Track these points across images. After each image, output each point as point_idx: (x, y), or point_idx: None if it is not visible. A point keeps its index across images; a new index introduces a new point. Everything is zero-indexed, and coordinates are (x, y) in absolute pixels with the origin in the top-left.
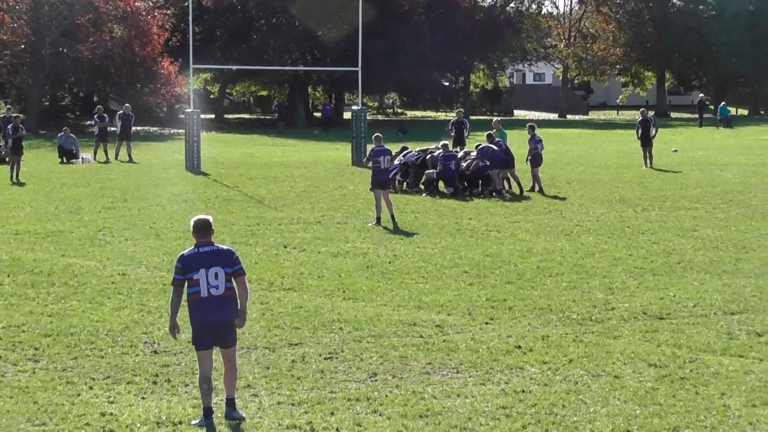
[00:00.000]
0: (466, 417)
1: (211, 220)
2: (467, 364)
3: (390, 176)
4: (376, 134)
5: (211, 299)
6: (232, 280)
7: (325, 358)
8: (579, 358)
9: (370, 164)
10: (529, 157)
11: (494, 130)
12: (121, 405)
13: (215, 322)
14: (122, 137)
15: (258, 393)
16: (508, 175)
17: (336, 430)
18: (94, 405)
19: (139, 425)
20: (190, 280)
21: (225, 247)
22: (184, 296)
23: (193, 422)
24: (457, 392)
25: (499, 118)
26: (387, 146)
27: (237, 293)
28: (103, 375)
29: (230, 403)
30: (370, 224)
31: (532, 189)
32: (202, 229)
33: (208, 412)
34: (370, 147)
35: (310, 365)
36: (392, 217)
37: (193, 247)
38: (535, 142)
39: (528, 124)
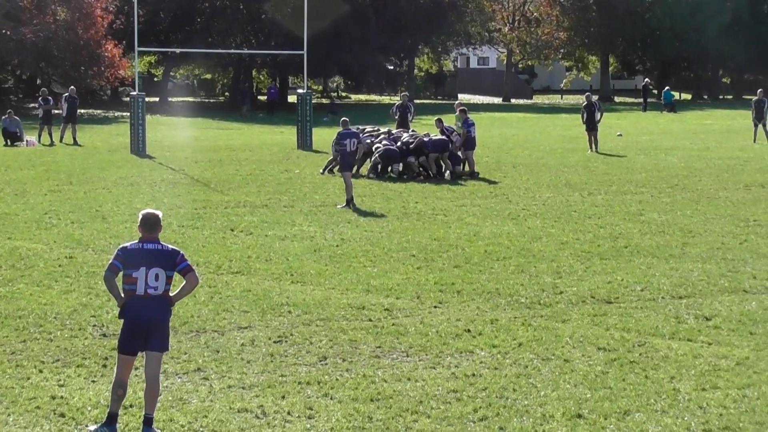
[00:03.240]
0: (417, 400)
1: (160, 215)
2: (417, 348)
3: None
4: (343, 118)
5: (147, 298)
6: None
7: (274, 342)
8: (528, 342)
9: (337, 147)
10: (463, 140)
11: (457, 114)
12: (72, 388)
13: (148, 319)
14: (68, 120)
15: (208, 376)
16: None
17: (287, 413)
18: (45, 388)
19: (90, 408)
20: (128, 277)
21: (170, 247)
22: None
23: (91, 428)
24: (408, 376)
25: (464, 107)
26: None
27: (181, 286)
28: (52, 358)
29: (148, 421)
30: (339, 206)
31: (470, 173)
32: (150, 224)
33: (112, 419)
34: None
35: (259, 348)
36: (352, 200)
37: (137, 241)
38: (467, 126)
39: (459, 108)
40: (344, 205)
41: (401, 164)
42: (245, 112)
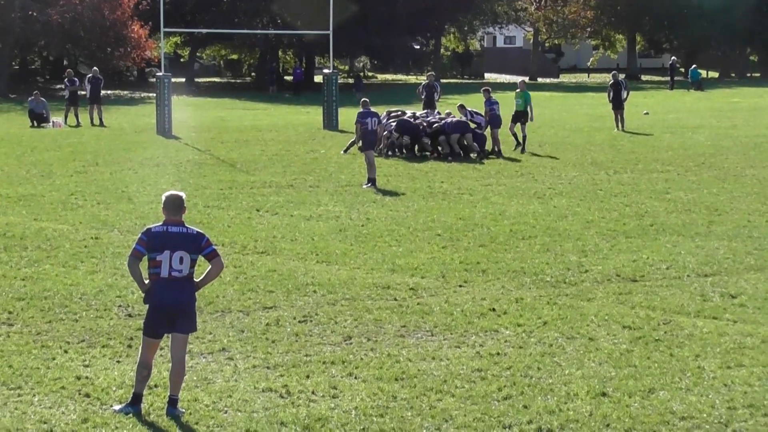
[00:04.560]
0: (441, 380)
1: (184, 197)
2: (442, 327)
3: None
4: (363, 99)
5: (171, 280)
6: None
7: (299, 321)
8: (553, 321)
9: (359, 126)
10: (487, 119)
11: (519, 90)
12: (97, 368)
13: (174, 303)
14: (92, 101)
15: (233, 356)
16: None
17: (312, 393)
18: (70, 369)
19: (114, 389)
20: (152, 260)
21: (195, 230)
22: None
23: (116, 407)
24: (432, 355)
25: (525, 80)
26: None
27: (206, 271)
28: (77, 339)
29: (173, 402)
30: (364, 186)
31: (493, 151)
32: (174, 206)
33: (137, 399)
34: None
35: (284, 328)
36: (374, 180)
37: (161, 223)
38: (491, 104)
39: (483, 88)
40: (369, 184)
41: (409, 138)
42: (273, 92)
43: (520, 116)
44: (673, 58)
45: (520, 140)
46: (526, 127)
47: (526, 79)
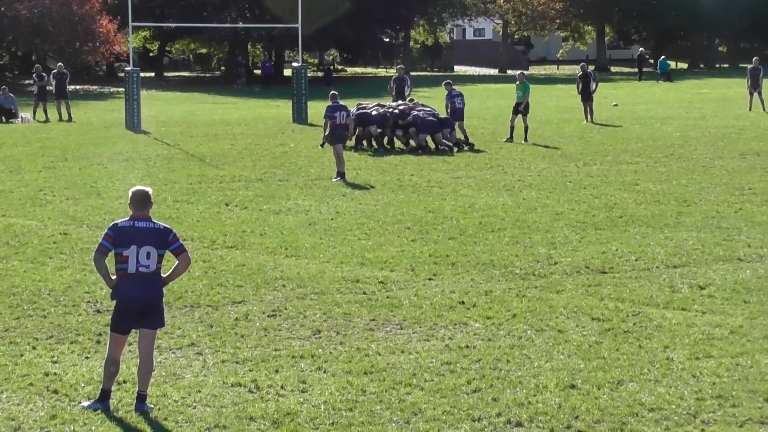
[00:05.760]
0: (410, 373)
1: (150, 192)
2: (411, 320)
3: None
4: (332, 92)
5: (138, 275)
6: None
7: (268, 316)
8: (522, 313)
9: (327, 120)
10: (448, 112)
11: (518, 83)
12: (65, 365)
13: (141, 298)
14: (59, 96)
15: (202, 351)
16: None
17: (281, 387)
18: (38, 365)
19: (83, 385)
20: (119, 256)
21: (162, 225)
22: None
23: (85, 404)
24: (402, 348)
25: (523, 72)
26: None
27: (174, 266)
28: (46, 335)
29: (141, 398)
30: (333, 179)
31: (465, 142)
32: (141, 201)
33: (105, 395)
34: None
35: (253, 323)
36: (343, 174)
37: (128, 218)
38: (452, 97)
39: (444, 82)
40: (338, 178)
41: (377, 128)
42: (239, 86)
43: (520, 107)
44: (641, 49)
45: (520, 132)
46: (527, 118)
47: (519, 71)
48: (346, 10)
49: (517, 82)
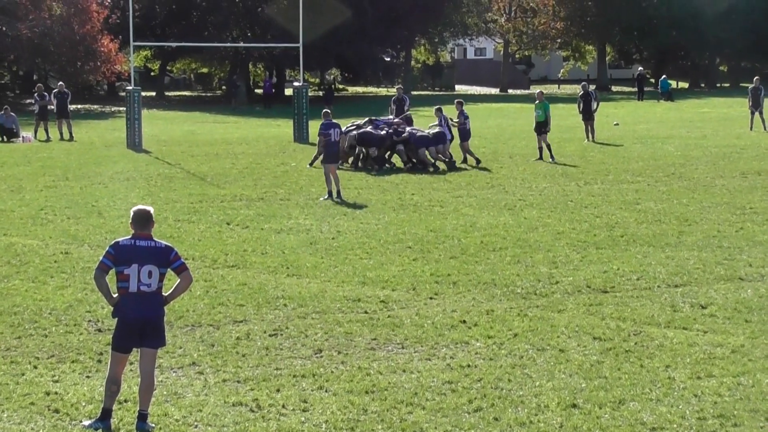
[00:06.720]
0: (411, 392)
1: (152, 211)
2: (412, 340)
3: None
4: (324, 110)
5: (140, 295)
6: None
7: (269, 335)
8: (524, 332)
9: (322, 138)
10: (455, 130)
11: (537, 101)
12: (66, 384)
13: (143, 317)
14: (60, 115)
15: (203, 370)
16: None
17: (282, 406)
18: (39, 384)
19: (84, 404)
20: (120, 274)
21: (164, 243)
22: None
23: (85, 423)
24: (403, 367)
25: (542, 90)
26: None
27: (175, 285)
28: (47, 354)
29: (142, 417)
30: (321, 198)
31: (464, 161)
32: (142, 220)
33: (106, 415)
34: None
35: (255, 342)
36: (339, 192)
37: (129, 237)
38: (463, 118)
39: (456, 101)
40: (326, 197)
41: (376, 149)
42: (234, 105)
43: (541, 127)
44: (640, 68)
45: (548, 151)
46: (547, 136)
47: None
48: (346, 29)
49: (537, 102)
